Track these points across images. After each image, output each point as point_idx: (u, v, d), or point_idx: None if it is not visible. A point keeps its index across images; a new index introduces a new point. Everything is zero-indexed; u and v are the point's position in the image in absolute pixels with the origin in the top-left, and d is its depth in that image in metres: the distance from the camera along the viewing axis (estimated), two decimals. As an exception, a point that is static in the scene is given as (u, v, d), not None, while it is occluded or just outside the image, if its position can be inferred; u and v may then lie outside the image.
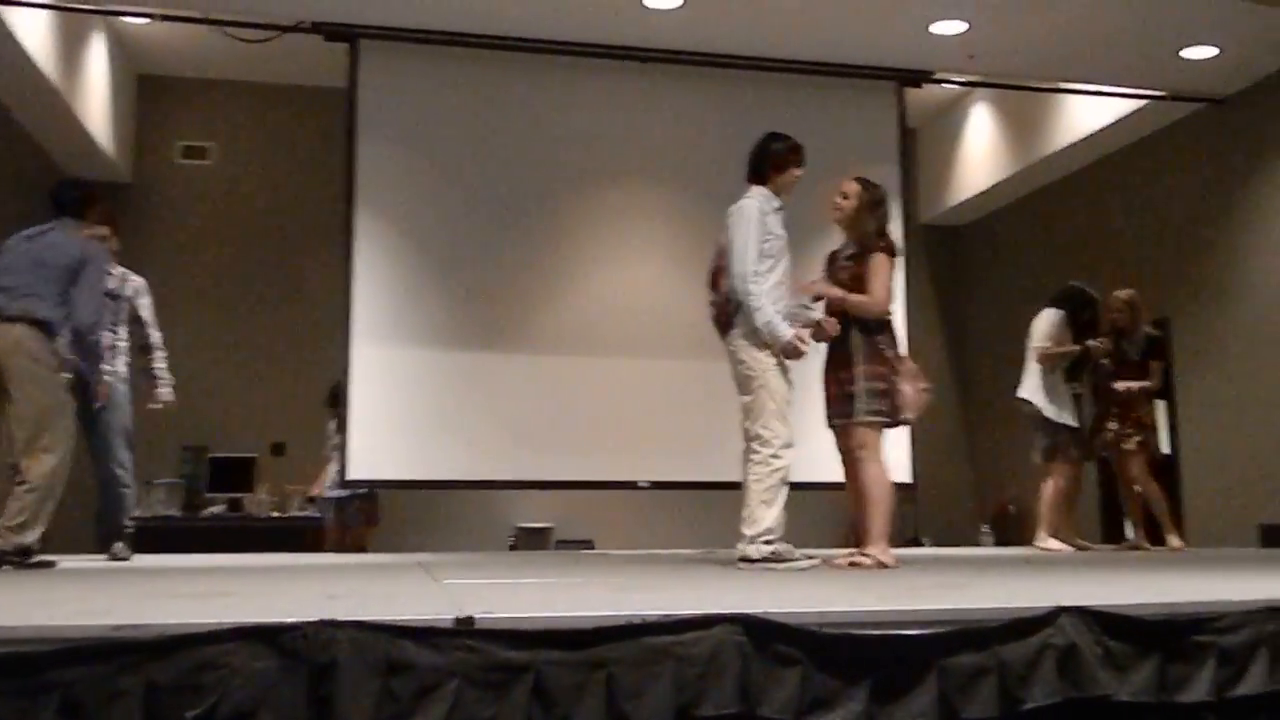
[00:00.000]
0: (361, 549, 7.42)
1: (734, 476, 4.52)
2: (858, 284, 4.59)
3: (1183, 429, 7.98)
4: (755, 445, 4.35)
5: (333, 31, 6.91)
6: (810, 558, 4.35)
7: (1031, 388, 6.55)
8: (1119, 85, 7.93)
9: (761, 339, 4.36)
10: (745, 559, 4.23)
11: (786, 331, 4.34)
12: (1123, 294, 6.64)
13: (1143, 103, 8.05)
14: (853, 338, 4.55)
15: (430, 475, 6.97)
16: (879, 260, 4.59)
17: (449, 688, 1.91)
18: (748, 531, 4.27)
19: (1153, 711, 2.28)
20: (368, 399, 6.77)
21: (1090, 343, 6.53)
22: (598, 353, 7.23)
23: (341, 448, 6.77)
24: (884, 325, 4.61)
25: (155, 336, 5.63)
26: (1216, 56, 7.27)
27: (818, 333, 4.59)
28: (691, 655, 2.02)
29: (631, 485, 7.20)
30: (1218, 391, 7.75)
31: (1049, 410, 6.46)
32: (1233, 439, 7.56)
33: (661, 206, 7.50)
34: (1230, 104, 7.84)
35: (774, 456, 4.30)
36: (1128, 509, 6.77)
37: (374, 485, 7.25)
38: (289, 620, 1.93)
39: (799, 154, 4.63)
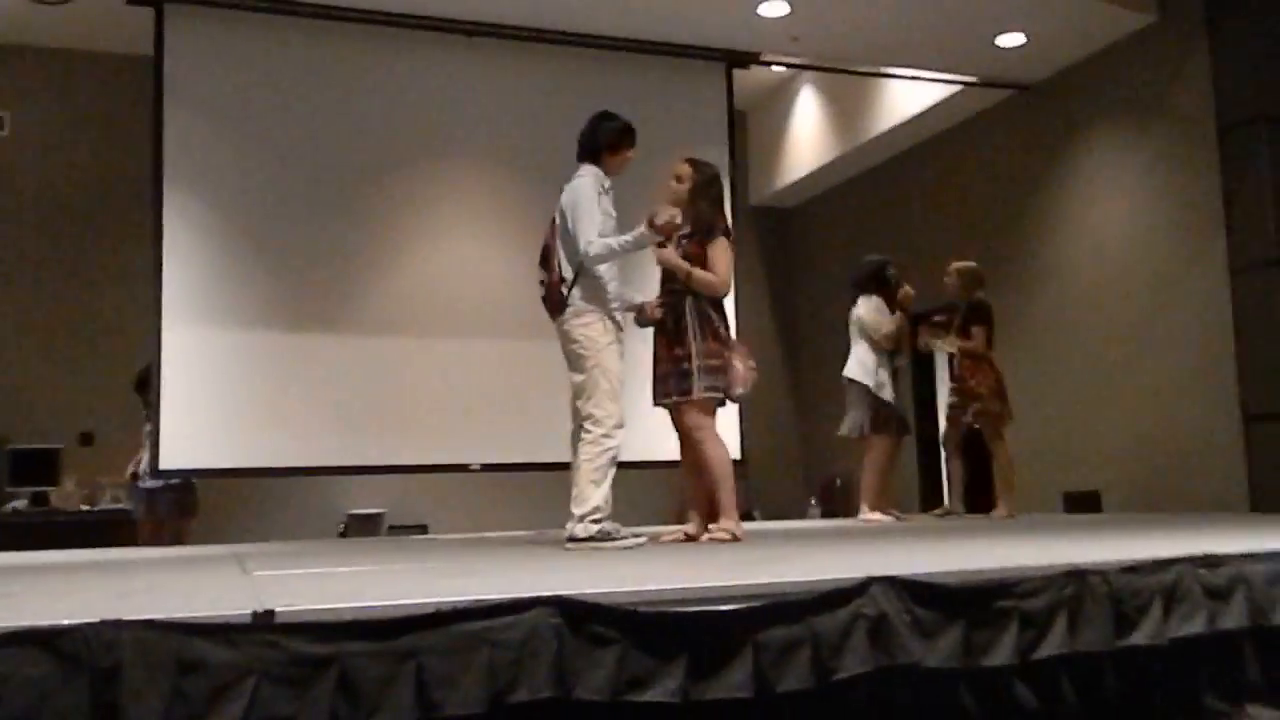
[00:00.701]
0: (179, 542, 7.07)
1: (565, 457, 4.49)
2: (694, 264, 4.61)
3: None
4: (588, 425, 4.32)
5: (136, -6, 6.52)
6: (637, 536, 4.36)
7: (856, 366, 6.73)
8: (936, 70, 8.20)
9: (600, 312, 4.33)
10: (573, 539, 4.21)
11: (640, 232, 4.29)
12: (952, 265, 6.86)
13: (958, 88, 8.37)
14: (687, 314, 4.56)
15: (250, 463, 6.70)
16: (722, 244, 4.63)
17: (246, 685, 1.80)
18: (576, 511, 4.24)
19: (960, 676, 2.35)
20: (180, 383, 6.44)
21: (937, 318, 6.78)
22: (426, 334, 7.08)
23: (153, 435, 6.43)
24: (717, 303, 4.66)
25: None
26: (1025, 44, 7.59)
27: (639, 316, 4.59)
28: (505, 640, 1.96)
29: (462, 468, 7.10)
30: (1026, 367, 8.12)
31: (873, 386, 6.65)
32: (1039, 412, 7.94)
33: (487, 184, 7.38)
34: (1038, 91, 8.22)
35: (605, 436, 4.28)
36: (949, 476, 7.05)
37: (189, 474, 6.90)
38: (69, 622, 1.78)
39: (632, 135, 4.61)
